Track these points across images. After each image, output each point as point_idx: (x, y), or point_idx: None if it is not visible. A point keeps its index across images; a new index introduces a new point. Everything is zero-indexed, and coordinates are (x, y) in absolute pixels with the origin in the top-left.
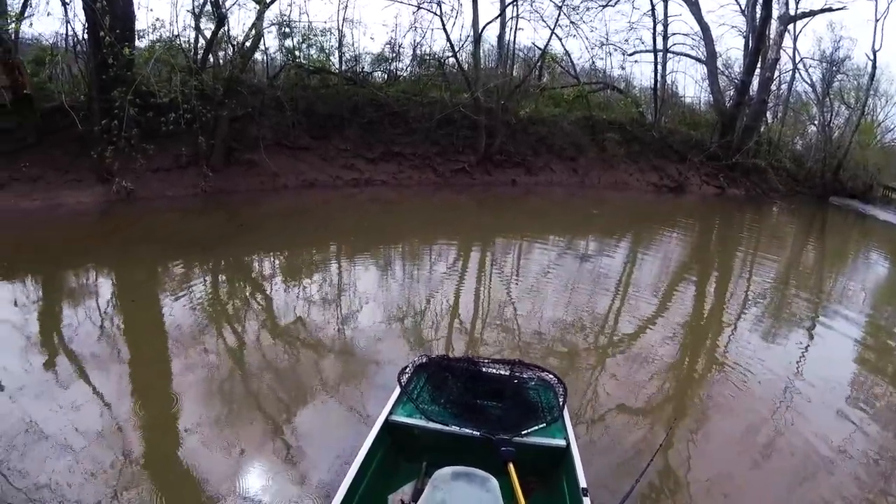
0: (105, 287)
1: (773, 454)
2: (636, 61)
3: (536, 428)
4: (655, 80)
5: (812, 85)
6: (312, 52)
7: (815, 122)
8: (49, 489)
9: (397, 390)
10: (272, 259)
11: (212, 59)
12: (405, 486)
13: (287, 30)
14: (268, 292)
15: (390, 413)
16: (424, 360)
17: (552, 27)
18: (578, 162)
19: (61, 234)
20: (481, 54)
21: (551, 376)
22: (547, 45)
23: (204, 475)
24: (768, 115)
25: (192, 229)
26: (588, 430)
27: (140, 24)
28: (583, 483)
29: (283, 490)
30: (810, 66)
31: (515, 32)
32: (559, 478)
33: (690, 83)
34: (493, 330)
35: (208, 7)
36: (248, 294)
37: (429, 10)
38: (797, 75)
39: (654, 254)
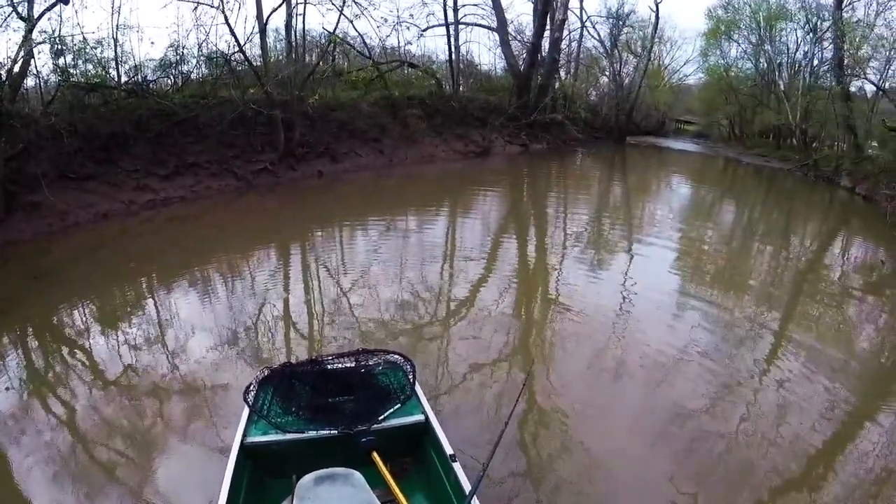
0: None
1: (624, 370)
2: (423, 35)
3: (392, 410)
4: (450, 53)
5: (601, 40)
6: (89, 67)
7: (607, 73)
8: None
9: (246, 410)
10: (80, 308)
11: None
12: None
13: (59, 46)
14: (86, 346)
15: (245, 435)
16: (267, 373)
17: (340, 9)
18: (383, 142)
19: None
20: (270, 46)
21: (397, 356)
22: (335, 28)
23: None
24: (561, 72)
25: None
26: (450, 397)
27: None
28: (449, 450)
29: None
30: (597, 22)
31: (304, 19)
32: (427, 451)
33: (485, 51)
34: (333, 326)
35: None
36: (64, 354)
37: (209, 6)
38: (586, 32)
39: (474, 216)
